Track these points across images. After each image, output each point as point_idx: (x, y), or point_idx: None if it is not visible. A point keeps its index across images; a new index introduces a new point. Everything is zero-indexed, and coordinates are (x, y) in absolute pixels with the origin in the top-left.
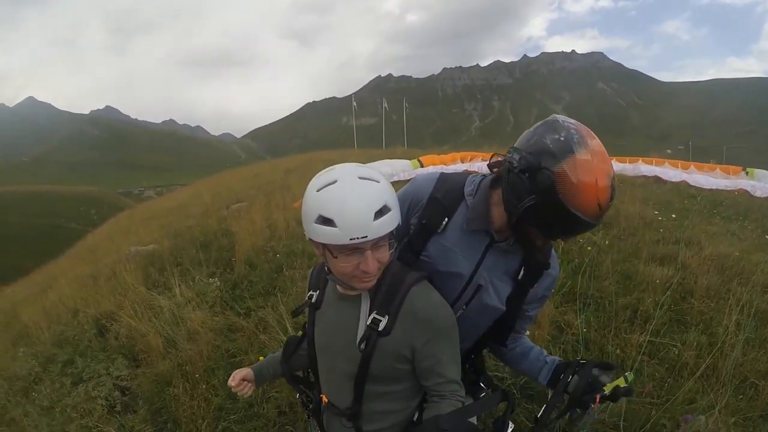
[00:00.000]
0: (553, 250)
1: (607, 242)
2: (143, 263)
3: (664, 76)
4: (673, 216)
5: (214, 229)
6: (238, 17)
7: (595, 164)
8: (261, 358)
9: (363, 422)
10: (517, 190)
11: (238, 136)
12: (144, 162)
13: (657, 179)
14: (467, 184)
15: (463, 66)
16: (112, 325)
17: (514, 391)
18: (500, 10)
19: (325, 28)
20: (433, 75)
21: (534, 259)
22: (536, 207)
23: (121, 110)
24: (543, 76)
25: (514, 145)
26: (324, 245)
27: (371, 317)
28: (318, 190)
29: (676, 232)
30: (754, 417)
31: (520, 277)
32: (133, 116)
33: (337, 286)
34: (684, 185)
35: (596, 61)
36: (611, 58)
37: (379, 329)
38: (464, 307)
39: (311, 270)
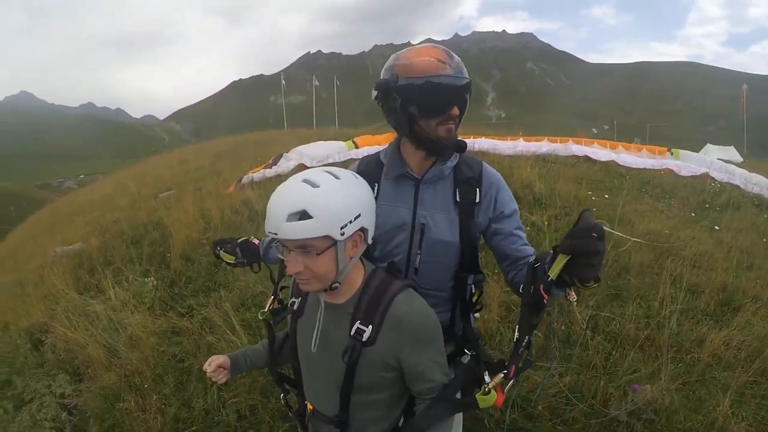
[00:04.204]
0: (486, 166)
1: (545, 222)
2: (71, 265)
3: (592, 57)
4: (606, 196)
5: (144, 222)
6: None
7: (414, 48)
8: None
9: (351, 430)
10: (390, 105)
11: (161, 118)
12: (62, 151)
13: (587, 159)
14: (382, 152)
15: (394, 43)
16: (46, 337)
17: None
18: None
19: (254, 4)
20: (364, 52)
21: (442, 148)
22: (405, 97)
23: (36, 95)
24: (474, 55)
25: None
26: None
27: (355, 327)
28: None
29: (609, 210)
30: (691, 381)
31: (458, 198)
32: (49, 101)
33: (318, 294)
34: (613, 165)
35: (526, 41)
36: (541, 39)
37: (363, 339)
38: (419, 251)
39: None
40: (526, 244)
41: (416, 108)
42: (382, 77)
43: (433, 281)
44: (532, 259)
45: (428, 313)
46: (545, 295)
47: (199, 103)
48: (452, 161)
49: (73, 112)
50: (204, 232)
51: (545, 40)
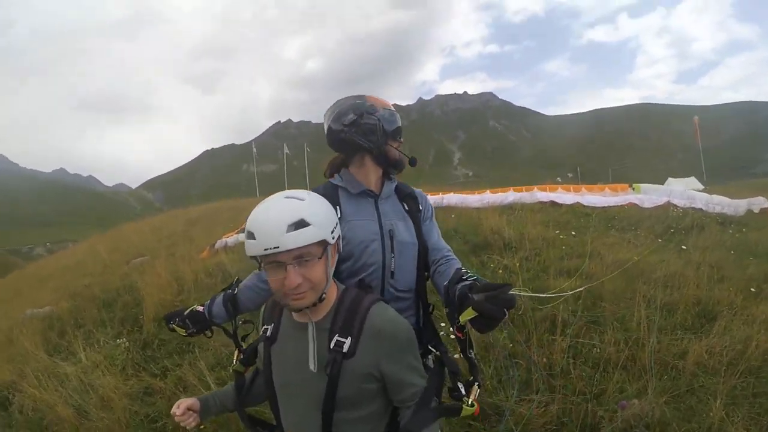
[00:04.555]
0: (416, 189)
1: (517, 264)
2: (41, 327)
3: (550, 110)
4: (573, 233)
5: (117, 286)
6: (137, 62)
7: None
8: None
9: None
10: (368, 127)
11: (133, 187)
12: (32, 216)
13: (553, 204)
14: (335, 179)
15: None
16: (14, 396)
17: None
18: (396, 56)
19: (225, 74)
20: None
21: (396, 166)
22: (386, 120)
23: (9, 158)
24: (438, 117)
25: (333, 125)
26: (259, 262)
27: (334, 340)
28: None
29: (578, 247)
30: (680, 393)
31: (406, 208)
32: (22, 165)
33: (293, 315)
34: (578, 206)
35: (487, 100)
36: (500, 97)
37: (344, 351)
38: (393, 255)
39: (264, 305)
40: (440, 239)
41: (391, 130)
42: (348, 113)
43: (405, 282)
44: (450, 258)
45: (402, 321)
46: (460, 334)
47: (171, 171)
48: (395, 182)
49: (45, 177)
50: (177, 294)
51: (504, 98)
